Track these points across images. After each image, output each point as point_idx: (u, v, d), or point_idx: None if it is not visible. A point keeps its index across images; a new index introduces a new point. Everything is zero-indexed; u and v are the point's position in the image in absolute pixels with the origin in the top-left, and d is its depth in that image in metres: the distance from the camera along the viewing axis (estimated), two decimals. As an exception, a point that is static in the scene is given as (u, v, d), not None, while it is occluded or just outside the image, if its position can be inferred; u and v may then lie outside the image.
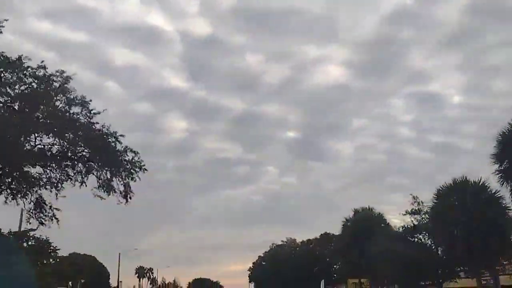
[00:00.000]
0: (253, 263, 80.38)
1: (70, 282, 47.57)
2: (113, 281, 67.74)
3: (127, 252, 58.02)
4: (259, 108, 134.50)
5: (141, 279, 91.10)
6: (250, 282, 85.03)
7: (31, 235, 28.71)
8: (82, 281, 50.47)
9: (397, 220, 35.29)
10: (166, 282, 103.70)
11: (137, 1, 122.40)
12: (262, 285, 75.48)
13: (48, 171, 16.96)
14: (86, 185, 17.15)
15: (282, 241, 70.96)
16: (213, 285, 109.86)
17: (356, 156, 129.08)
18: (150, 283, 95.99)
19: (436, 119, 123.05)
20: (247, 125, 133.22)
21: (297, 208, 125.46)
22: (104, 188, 17.07)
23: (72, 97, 16.57)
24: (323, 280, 40.40)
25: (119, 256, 55.31)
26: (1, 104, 15.09)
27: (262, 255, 75.55)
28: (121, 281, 57.81)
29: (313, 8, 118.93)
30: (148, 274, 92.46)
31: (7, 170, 15.88)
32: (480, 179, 20.18)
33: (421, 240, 27.20)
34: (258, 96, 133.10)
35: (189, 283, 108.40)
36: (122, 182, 17.16)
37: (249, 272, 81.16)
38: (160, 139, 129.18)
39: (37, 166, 16.48)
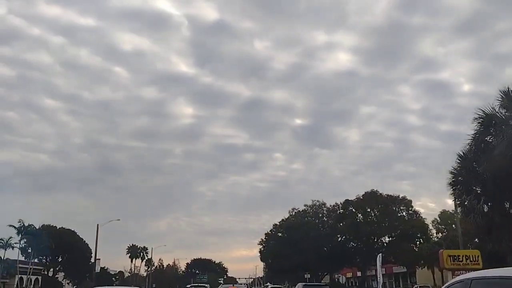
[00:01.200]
0: (266, 234, 60.85)
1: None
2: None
3: (108, 224, 46.11)
4: (266, 95, 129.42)
5: (134, 259, 79.56)
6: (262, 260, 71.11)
7: None
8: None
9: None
10: (164, 264, 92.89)
11: None
12: (274, 266, 61.93)
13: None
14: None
15: (306, 205, 56.86)
16: (214, 265, 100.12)
17: (364, 143, 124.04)
18: (146, 265, 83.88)
19: (445, 107, 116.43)
20: (255, 111, 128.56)
21: (304, 194, 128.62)
22: None
23: None
24: (379, 255, 30.55)
25: (97, 228, 44.21)
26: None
27: (278, 223, 59.62)
28: (99, 259, 45.97)
29: None
30: (141, 254, 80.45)
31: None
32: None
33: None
34: (265, 82, 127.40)
35: (187, 264, 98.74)
36: None
37: (261, 247, 61.95)
38: (167, 124, 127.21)
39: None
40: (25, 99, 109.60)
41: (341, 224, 49.37)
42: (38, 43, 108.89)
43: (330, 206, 54.61)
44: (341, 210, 50.67)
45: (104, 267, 66.09)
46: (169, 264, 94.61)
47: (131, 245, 79.04)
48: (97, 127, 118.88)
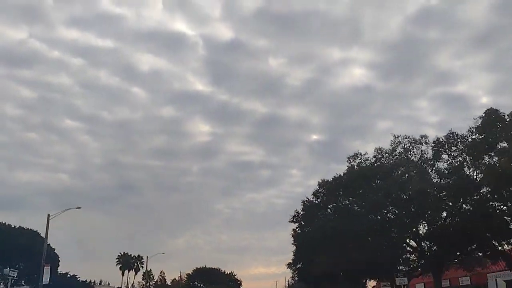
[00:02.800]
0: (304, 203, 36.74)
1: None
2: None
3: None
4: (282, 111, 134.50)
5: (127, 271, 74.85)
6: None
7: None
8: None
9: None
10: (167, 278, 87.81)
11: (160, 7, 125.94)
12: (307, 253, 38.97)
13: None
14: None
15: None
16: (224, 277, 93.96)
17: None
18: (143, 278, 78.28)
19: (463, 120, 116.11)
20: (270, 128, 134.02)
21: None
22: None
23: None
24: None
25: (48, 218, 38.90)
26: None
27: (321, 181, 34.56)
28: (47, 265, 40.49)
29: (336, 10, 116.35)
30: (136, 264, 75.65)
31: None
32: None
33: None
34: (281, 99, 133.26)
35: (188, 274, 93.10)
36: None
37: (293, 222, 39.34)
38: (184, 142, 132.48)
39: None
40: (46, 120, 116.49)
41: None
42: (58, 65, 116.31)
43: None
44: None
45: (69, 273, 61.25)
46: (174, 278, 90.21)
47: (122, 253, 73.61)
48: (115, 146, 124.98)
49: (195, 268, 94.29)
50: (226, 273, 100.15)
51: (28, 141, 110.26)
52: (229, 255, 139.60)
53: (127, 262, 74.33)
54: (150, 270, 75.73)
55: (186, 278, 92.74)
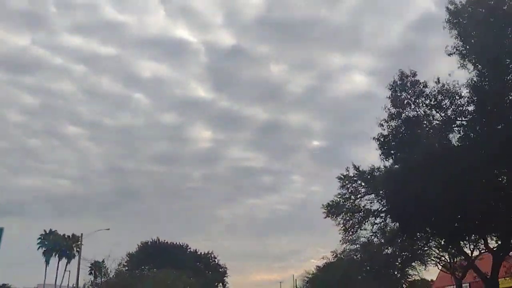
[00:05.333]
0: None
1: None
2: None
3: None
4: (284, 117, 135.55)
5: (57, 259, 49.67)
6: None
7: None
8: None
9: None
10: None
11: (163, 14, 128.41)
12: None
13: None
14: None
15: None
16: (193, 258, 66.12)
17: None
18: (90, 272, 52.42)
19: None
20: (272, 134, 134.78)
21: (322, 217, 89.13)
22: None
23: None
24: None
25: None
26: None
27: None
28: None
29: (337, 17, 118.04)
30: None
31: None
32: None
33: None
34: (282, 105, 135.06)
35: (128, 254, 61.96)
36: None
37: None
38: (186, 148, 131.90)
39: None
40: (48, 126, 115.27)
41: None
42: (61, 72, 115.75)
43: None
44: None
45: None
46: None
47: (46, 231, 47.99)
48: (117, 152, 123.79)
49: (140, 245, 65.08)
50: (200, 253, 71.97)
51: (30, 147, 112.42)
52: (231, 261, 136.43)
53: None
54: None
55: (126, 263, 60.12)
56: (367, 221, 32.42)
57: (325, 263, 60.00)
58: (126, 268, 58.03)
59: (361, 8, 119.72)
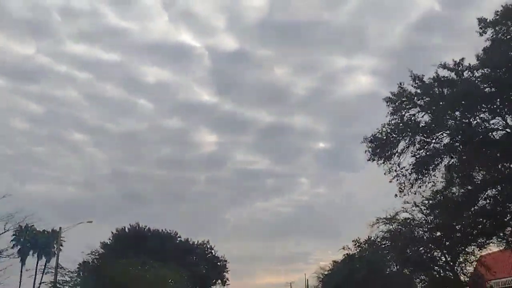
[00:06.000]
0: None
1: None
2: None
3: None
4: (288, 120, 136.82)
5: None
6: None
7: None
8: None
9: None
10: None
11: (166, 19, 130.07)
12: None
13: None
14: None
15: None
16: (181, 247, 53.69)
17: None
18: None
19: None
20: (277, 137, 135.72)
21: (330, 219, 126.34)
22: None
23: None
24: None
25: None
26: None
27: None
28: None
29: (339, 19, 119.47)
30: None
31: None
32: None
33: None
34: (286, 108, 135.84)
35: (104, 244, 48.80)
36: None
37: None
38: (191, 152, 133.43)
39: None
40: (53, 133, 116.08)
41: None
42: (65, 80, 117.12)
43: None
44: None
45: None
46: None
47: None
48: (122, 157, 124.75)
49: (116, 232, 53.14)
50: (192, 243, 58.81)
51: (36, 154, 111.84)
52: (237, 264, 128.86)
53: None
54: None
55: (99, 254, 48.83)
56: (438, 163, 20.00)
57: (346, 255, 54.07)
58: (96, 262, 45.90)
59: (363, 10, 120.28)
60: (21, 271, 53.03)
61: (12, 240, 56.47)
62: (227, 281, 61.27)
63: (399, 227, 38.15)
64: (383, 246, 45.31)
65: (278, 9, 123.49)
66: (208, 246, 60.00)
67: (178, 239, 57.33)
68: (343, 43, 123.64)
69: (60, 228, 44.28)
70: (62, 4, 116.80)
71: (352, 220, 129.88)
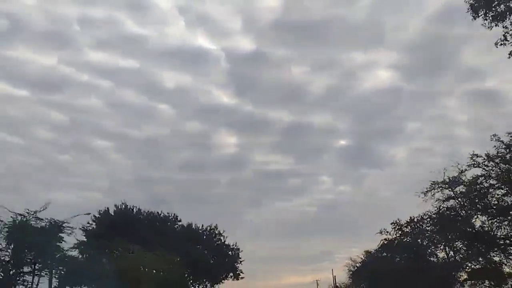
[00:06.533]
0: None
1: None
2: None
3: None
4: (307, 119, 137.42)
5: None
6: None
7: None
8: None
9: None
10: None
11: (183, 24, 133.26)
12: None
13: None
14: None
15: None
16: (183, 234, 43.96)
17: (412, 160, 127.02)
18: None
19: (496, 116, 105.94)
20: (297, 136, 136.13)
21: (353, 217, 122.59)
22: None
23: None
24: None
25: None
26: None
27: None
28: None
29: (356, 14, 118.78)
30: None
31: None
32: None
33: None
34: (305, 106, 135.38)
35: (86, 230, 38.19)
36: None
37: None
38: (212, 155, 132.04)
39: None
40: (77, 141, 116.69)
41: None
42: (87, 88, 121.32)
43: None
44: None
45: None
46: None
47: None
48: (145, 163, 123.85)
49: (98, 215, 43.68)
50: (197, 227, 49.26)
51: (61, 163, 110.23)
52: (260, 265, 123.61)
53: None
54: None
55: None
56: None
57: (384, 240, 49.06)
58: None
59: (379, 3, 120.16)
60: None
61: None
62: (241, 273, 51.27)
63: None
64: (433, 224, 41.59)
65: (292, 8, 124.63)
66: (216, 231, 50.08)
67: (178, 223, 47.68)
68: (360, 38, 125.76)
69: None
70: (81, 14, 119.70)
71: (376, 218, 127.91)
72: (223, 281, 51.01)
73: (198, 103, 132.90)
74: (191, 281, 46.50)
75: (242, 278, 51.37)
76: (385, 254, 58.44)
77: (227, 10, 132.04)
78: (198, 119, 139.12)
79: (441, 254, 46.66)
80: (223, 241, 50.00)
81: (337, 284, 74.51)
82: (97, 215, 42.73)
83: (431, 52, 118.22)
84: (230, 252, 50.52)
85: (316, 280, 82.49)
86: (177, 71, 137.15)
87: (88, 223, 42.12)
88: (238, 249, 50.81)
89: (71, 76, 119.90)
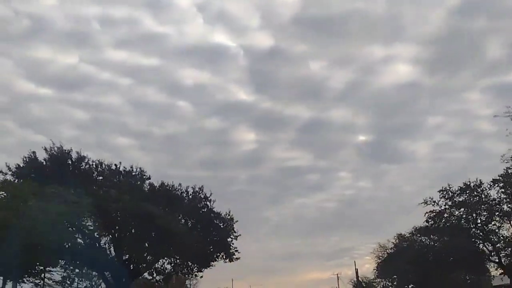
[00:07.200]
0: None
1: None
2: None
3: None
4: (326, 114, 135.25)
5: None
6: None
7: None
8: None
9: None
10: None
11: (201, 21, 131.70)
12: None
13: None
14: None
15: None
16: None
17: (433, 155, 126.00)
18: None
19: None
20: (316, 132, 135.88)
21: (373, 213, 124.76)
22: None
23: None
24: None
25: None
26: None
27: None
28: None
29: (375, 8, 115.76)
30: None
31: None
32: None
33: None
34: (324, 102, 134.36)
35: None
36: None
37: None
38: (231, 152, 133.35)
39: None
40: (100, 139, 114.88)
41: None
42: (108, 86, 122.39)
43: None
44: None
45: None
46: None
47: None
48: (165, 160, 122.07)
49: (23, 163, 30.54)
50: (169, 186, 35.31)
51: None
52: (280, 262, 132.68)
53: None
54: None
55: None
56: None
57: (430, 214, 41.81)
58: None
59: None
60: None
61: None
62: (235, 252, 38.04)
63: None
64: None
65: (311, 3, 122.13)
66: (202, 195, 36.98)
67: (147, 181, 34.87)
68: (379, 32, 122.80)
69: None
70: (101, 13, 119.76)
71: (396, 214, 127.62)
72: (212, 263, 38.11)
73: (217, 100, 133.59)
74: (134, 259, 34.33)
75: (237, 259, 38.13)
76: (423, 239, 48.82)
77: (245, 7, 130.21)
78: (217, 116, 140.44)
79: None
80: (210, 206, 36.81)
81: (360, 278, 70.33)
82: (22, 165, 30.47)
83: (452, 45, 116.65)
84: (220, 224, 37.42)
85: (337, 274, 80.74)
86: (195, 69, 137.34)
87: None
88: (232, 219, 37.46)
89: (92, 75, 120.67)
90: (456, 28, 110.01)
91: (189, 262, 37.77)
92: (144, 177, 34.86)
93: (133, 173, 34.31)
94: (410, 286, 54.41)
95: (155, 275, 36.43)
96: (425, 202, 41.77)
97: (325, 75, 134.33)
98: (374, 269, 60.00)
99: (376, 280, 64.87)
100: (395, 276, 56.91)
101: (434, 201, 41.60)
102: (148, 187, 34.83)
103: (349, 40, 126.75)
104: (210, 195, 36.76)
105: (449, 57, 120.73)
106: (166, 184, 35.16)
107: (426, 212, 42.41)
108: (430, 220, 42.34)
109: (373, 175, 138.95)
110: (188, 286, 67.95)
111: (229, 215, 37.52)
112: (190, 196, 36.65)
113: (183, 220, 36.06)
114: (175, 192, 35.64)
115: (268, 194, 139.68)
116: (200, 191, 36.85)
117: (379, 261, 57.89)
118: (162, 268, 36.63)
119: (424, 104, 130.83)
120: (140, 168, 34.72)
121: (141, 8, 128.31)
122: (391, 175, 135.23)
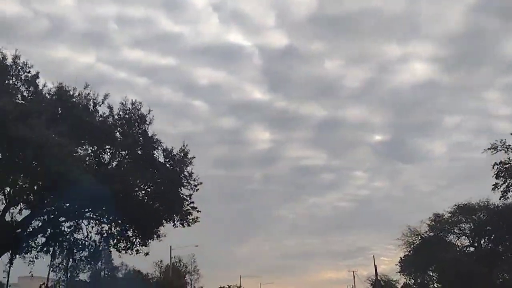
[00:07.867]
0: None
1: None
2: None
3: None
4: (341, 113, 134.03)
5: None
6: None
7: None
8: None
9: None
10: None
11: (216, 21, 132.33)
12: None
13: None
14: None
15: None
16: None
17: (450, 155, 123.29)
18: None
19: None
20: (331, 131, 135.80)
21: (389, 212, 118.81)
22: None
23: None
24: None
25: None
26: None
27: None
28: None
29: (391, 6, 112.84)
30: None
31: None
32: None
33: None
34: (339, 101, 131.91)
35: None
36: None
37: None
38: (246, 151, 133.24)
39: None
40: None
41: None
42: (124, 86, 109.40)
43: None
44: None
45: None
46: None
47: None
48: None
49: None
50: (87, 96, 20.44)
51: None
52: (294, 260, 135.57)
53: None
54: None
55: None
56: None
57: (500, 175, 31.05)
58: None
59: None
60: None
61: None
62: (194, 210, 23.24)
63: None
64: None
65: (326, 2, 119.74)
66: (137, 116, 22.19)
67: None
68: (395, 30, 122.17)
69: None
70: (118, 13, 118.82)
71: (413, 213, 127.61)
72: (159, 228, 23.53)
73: (232, 99, 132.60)
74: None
75: (195, 221, 23.35)
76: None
77: (260, 6, 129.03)
78: (232, 115, 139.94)
79: None
80: (153, 137, 22.08)
81: (379, 276, 65.32)
82: None
83: (470, 43, 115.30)
84: (168, 163, 22.60)
85: (353, 271, 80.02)
86: (211, 68, 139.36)
87: None
88: (186, 154, 22.64)
89: (109, 74, 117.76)
90: (474, 26, 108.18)
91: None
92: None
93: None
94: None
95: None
96: (494, 148, 28.04)
97: (340, 73, 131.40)
98: (398, 263, 54.48)
99: (394, 279, 60.86)
100: (431, 268, 48.54)
101: (508, 146, 27.85)
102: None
103: (365, 38, 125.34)
104: (149, 112, 22.04)
105: (467, 55, 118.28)
106: (61, 85, 20.33)
107: (495, 164, 28.65)
108: (500, 175, 28.74)
109: (389, 175, 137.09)
110: (188, 281, 65.18)
111: (182, 149, 22.69)
112: (116, 116, 21.90)
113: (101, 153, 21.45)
114: (81, 105, 20.74)
115: (282, 193, 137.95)
116: (135, 108, 22.10)
117: (406, 251, 49.39)
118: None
119: (441, 103, 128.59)
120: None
121: (157, 8, 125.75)
122: (408, 175, 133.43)
